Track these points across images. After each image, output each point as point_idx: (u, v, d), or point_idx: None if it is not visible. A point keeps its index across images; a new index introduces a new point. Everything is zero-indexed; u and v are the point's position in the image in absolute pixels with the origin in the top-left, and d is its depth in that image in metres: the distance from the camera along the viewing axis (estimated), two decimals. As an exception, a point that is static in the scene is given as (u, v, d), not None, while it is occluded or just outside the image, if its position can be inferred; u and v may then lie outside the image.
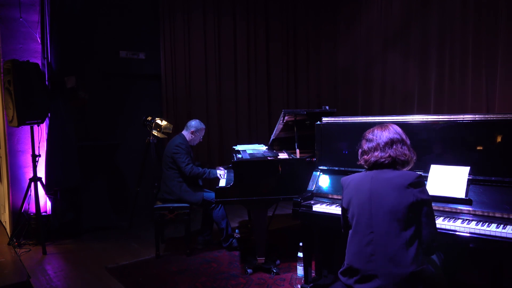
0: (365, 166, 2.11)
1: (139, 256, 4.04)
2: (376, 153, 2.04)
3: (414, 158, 2.08)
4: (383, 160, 2.02)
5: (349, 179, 2.12)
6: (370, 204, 1.95)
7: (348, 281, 1.97)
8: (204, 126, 4.30)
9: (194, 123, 4.24)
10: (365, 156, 2.09)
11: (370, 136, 2.11)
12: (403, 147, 2.05)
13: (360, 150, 2.15)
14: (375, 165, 2.05)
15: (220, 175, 4.09)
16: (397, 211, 1.88)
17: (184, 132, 4.24)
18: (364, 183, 2.02)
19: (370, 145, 2.08)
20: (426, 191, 1.94)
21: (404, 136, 2.08)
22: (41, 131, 4.51)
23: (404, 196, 1.89)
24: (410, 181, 1.91)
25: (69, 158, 4.53)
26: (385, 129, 2.10)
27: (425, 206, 1.91)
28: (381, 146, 2.05)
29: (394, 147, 2.03)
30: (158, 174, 4.43)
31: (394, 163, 2.02)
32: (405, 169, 2.05)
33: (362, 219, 1.96)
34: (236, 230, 4.48)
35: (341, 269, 2.04)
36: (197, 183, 4.25)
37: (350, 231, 2.04)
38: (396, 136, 2.06)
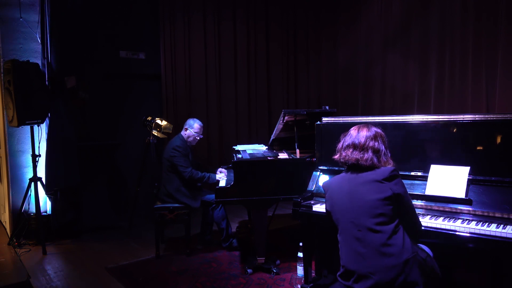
0: (340, 163, 2.18)
1: (139, 256, 4.04)
2: (355, 153, 2.09)
3: (391, 162, 2.14)
4: (360, 161, 2.07)
5: (328, 183, 2.22)
6: (351, 204, 2.02)
7: (347, 283, 2.00)
8: (200, 123, 4.24)
9: (189, 122, 4.22)
10: (343, 153, 2.15)
11: (348, 136, 2.18)
12: (379, 151, 2.09)
13: (339, 146, 2.22)
14: (352, 166, 2.12)
15: (220, 178, 4.06)
16: (377, 206, 1.95)
17: (182, 132, 4.23)
18: (343, 185, 2.10)
19: (348, 143, 2.16)
20: (401, 183, 2.01)
21: (378, 144, 2.11)
22: (41, 131, 4.51)
23: (381, 191, 1.96)
24: (385, 176, 1.99)
25: (69, 158, 4.53)
26: (363, 130, 2.15)
27: (402, 198, 1.99)
28: (358, 147, 2.10)
29: (369, 149, 2.09)
30: (158, 174, 4.43)
31: (361, 165, 2.07)
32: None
33: (347, 220, 2.02)
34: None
35: (338, 273, 2.07)
36: (196, 186, 4.22)
37: (338, 234, 2.09)
38: (371, 141, 2.10)
